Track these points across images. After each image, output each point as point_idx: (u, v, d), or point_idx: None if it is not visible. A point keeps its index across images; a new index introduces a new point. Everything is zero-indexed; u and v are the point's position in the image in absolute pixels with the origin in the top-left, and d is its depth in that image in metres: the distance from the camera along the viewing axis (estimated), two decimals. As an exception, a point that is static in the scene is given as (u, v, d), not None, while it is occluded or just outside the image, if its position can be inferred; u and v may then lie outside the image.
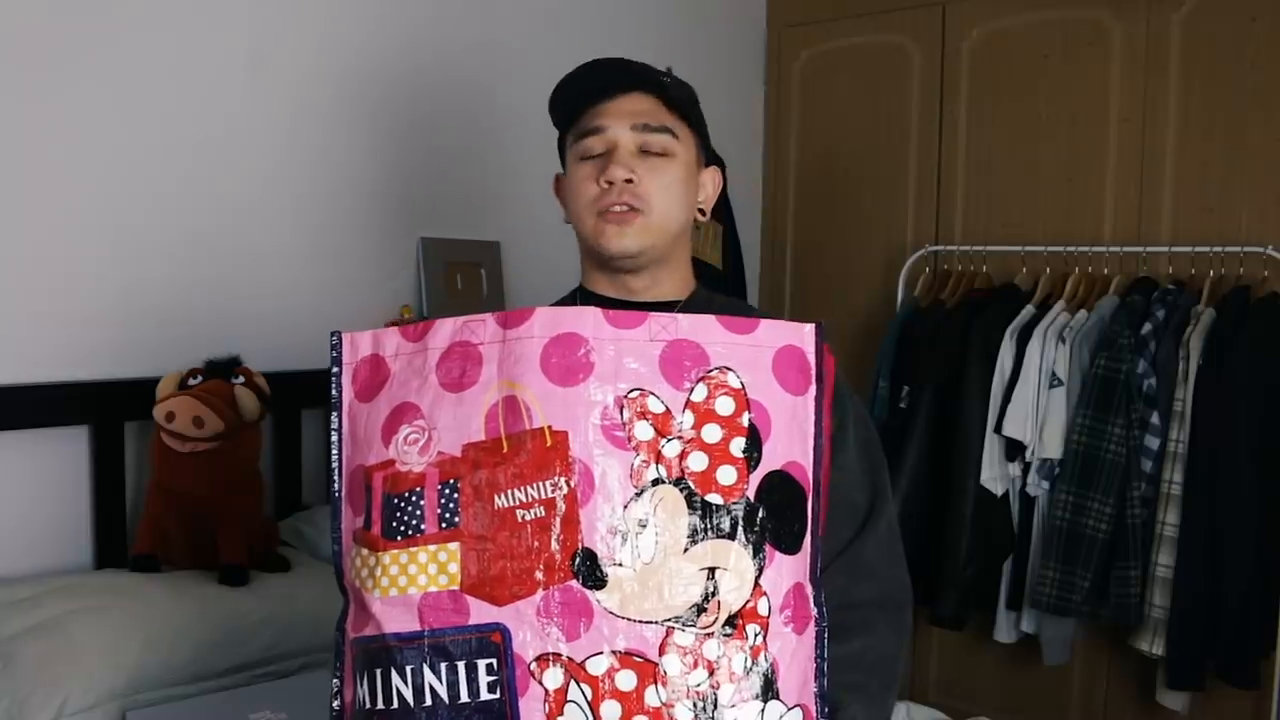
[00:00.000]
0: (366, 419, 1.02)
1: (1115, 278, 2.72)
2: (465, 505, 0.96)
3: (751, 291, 3.38)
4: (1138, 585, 2.49)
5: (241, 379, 2.13)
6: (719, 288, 3.12)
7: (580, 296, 1.33)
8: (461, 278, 2.69)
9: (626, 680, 0.94)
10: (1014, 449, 2.67)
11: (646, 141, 1.23)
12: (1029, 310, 2.71)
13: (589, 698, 0.94)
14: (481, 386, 0.99)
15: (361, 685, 1.00)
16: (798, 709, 1.01)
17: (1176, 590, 2.45)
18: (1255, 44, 2.58)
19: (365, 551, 1.00)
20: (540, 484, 0.96)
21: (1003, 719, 2.51)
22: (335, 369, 1.06)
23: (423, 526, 0.97)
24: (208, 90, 2.26)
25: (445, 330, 1.02)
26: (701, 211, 1.33)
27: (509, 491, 0.96)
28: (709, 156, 1.34)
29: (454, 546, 0.96)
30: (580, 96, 1.26)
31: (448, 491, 0.97)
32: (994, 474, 2.68)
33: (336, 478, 1.05)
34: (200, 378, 2.09)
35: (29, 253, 2.05)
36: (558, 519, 0.95)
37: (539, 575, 0.94)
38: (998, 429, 2.66)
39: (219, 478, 2.06)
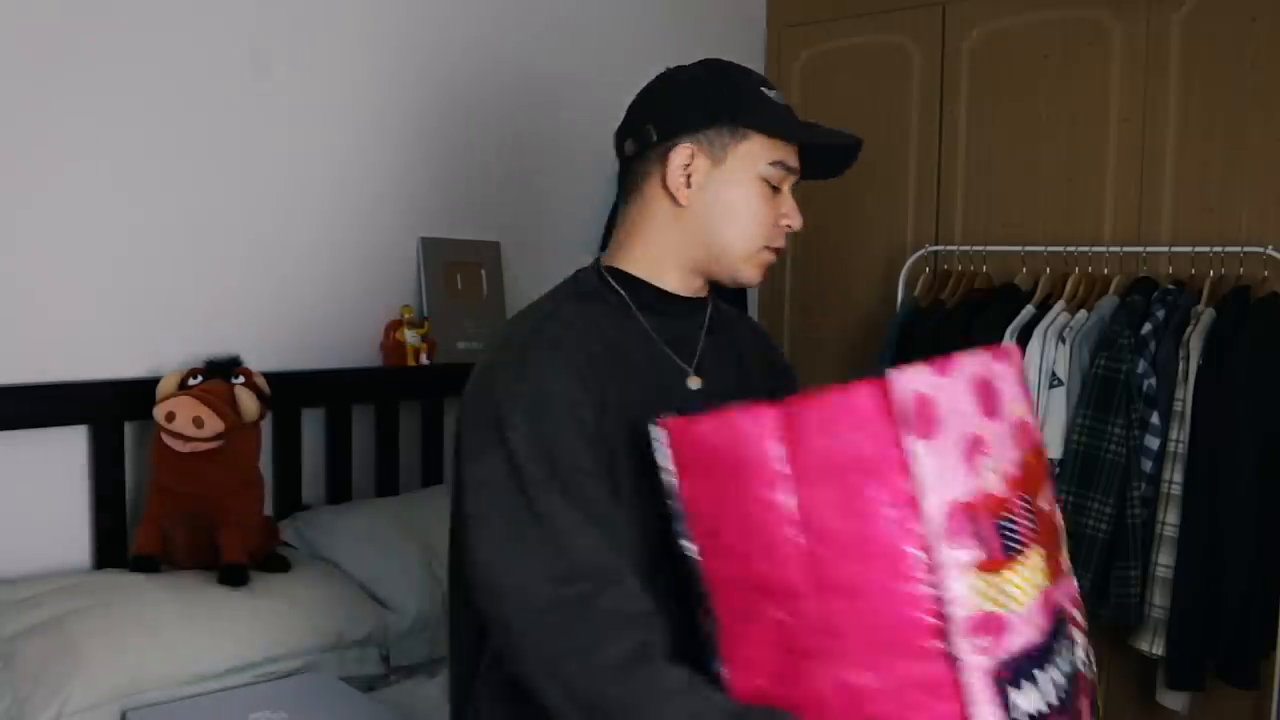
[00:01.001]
0: (941, 454, 1.04)
1: (1115, 278, 2.72)
2: (1037, 516, 1.13)
3: (751, 292, 3.38)
4: (1138, 585, 2.48)
5: (241, 379, 2.13)
6: (719, 289, 3.12)
7: (617, 279, 1.29)
8: (461, 278, 2.69)
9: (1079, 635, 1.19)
10: (1014, 449, 2.67)
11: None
12: (1029, 310, 2.71)
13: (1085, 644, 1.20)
14: (1009, 414, 1.13)
15: (1025, 694, 1.06)
16: None
17: (1176, 590, 2.45)
18: (1255, 44, 2.58)
19: (989, 577, 1.04)
20: (1045, 491, 1.19)
21: (1003, 719, 2.51)
22: (895, 415, 1.03)
23: (1023, 541, 1.08)
24: (209, 91, 2.26)
25: (970, 366, 1.11)
26: None
27: (1040, 498, 1.16)
28: None
29: (1039, 551, 1.10)
30: (825, 134, 1.30)
31: (1024, 507, 1.11)
32: (994, 474, 2.68)
33: (925, 514, 1.02)
34: (200, 378, 2.10)
35: (28, 253, 2.05)
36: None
37: (1065, 563, 1.21)
38: (998, 429, 2.65)
39: (219, 478, 2.06)
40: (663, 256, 1.29)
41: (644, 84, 1.35)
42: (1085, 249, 2.75)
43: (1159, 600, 2.48)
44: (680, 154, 1.25)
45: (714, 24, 3.27)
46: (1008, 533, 1.06)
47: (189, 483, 2.04)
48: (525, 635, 1.11)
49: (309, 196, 2.43)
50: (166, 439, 2.02)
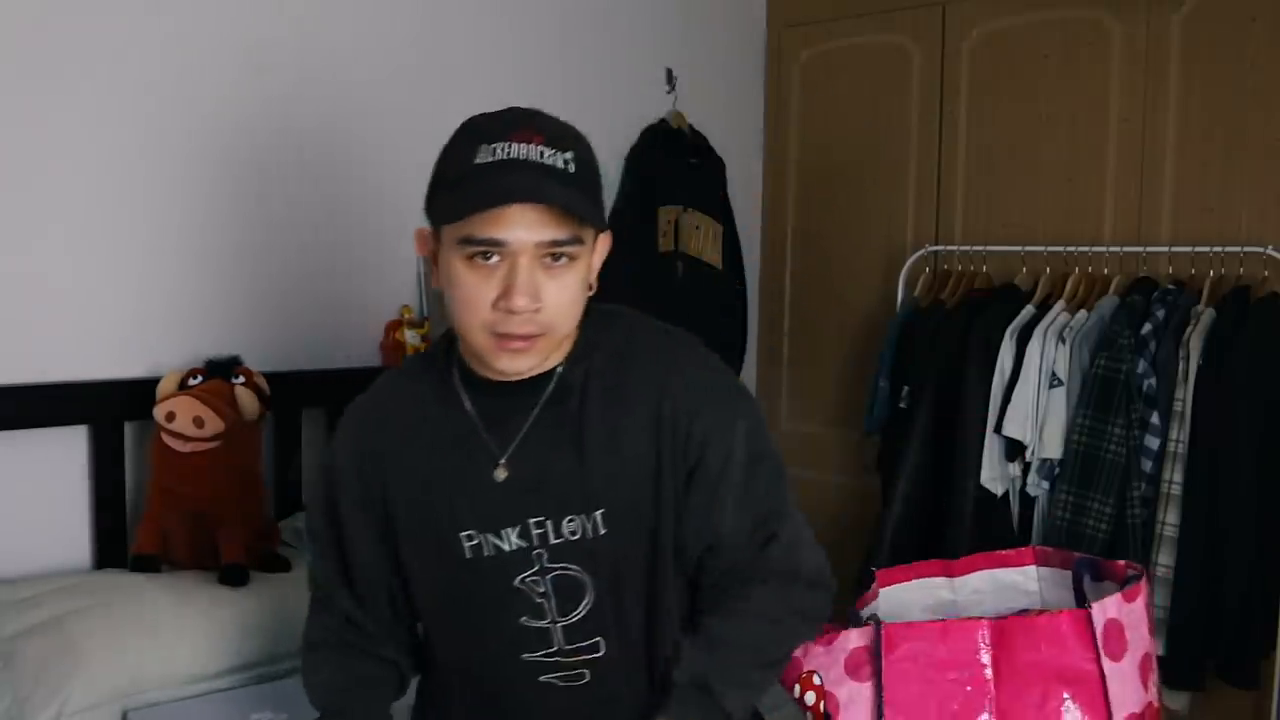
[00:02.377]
0: (1124, 675, 1.21)
1: (1115, 278, 2.72)
2: None
3: (751, 292, 3.38)
4: (1138, 585, 2.49)
5: (241, 379, 2.13)
6: (720, 288, 3.13)
7: (460, 376, 1.24)
8: (461, 278, 2.69)
9: None
10: (1014, 449, 2.67)
11: (552, 254, 1.11)
12: (1029, 310, 2.71)
13: None
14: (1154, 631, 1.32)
15: None
16: None
17: (1176, 590, 2.45)
18: (1255, 44, 2.58)
19: None
20: None
21: (1003, 719, 2.51)
22: (1095, 639, 1.21)
23: None
24: (207, 90, 2.26)
25: (1144, 590, 1.28)
26: (590, 285, 1.19)
27: None
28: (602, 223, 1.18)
29: None
30: (477, 202, 1.09)
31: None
32: (994, 474, 2.68)
33: None
34: (200, 378, 2.10)
35: (28, 253, 2.05)
36: None
37: None
38: (998, 429, 2.65)
39: (219, 478, 2.06)
40: (460, 343, 1.23)
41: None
42: (1085, 249, 2.75)
43: (1159, 600, 2.48)
44: (419, 238, 1.23)
45: (714, 24, 3.27)
46: None
47: (189, 483, 2.04)
48: None
49: (309, 195, 2.43)
50: (166, 439, 2.02)
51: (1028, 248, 2.84)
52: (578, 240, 1.13)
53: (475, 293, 1.11)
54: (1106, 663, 1.19)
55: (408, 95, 2.58)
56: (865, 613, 1.44)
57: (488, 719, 1.31)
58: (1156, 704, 1.26)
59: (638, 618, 1.22)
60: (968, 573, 1.47)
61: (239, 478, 2.11)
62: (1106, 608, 1.21)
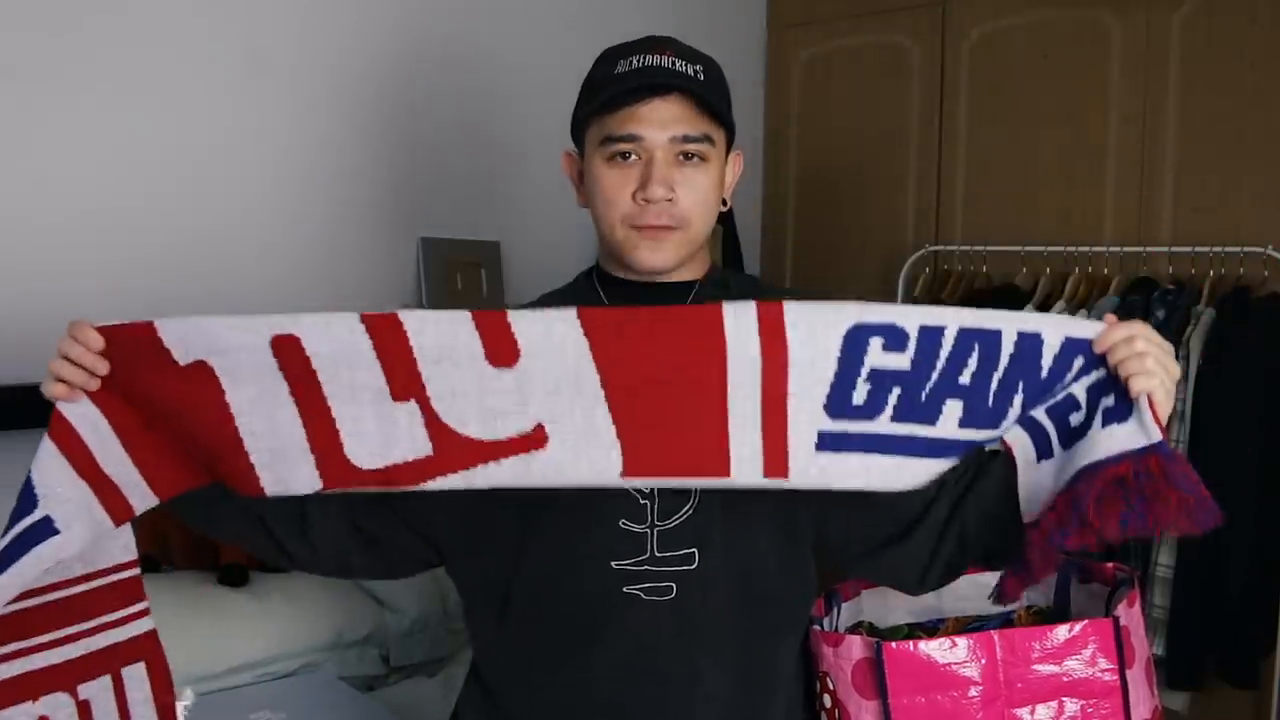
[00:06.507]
0: (1137, 681, 1.21)
1: (1115, 278, 2.72)
2: None
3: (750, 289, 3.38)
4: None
5: (241, 379, 2.13)
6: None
7: (598, 279, 1.30)
8: (461, 278, 2.69)
9: None
10: (1014, 449, 2.67)
11: (683, 150, 1.22)
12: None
13: None
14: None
15: None
16: None
17: (1176, 590, 2.45)
18: (1255, 44, 2.58)
19: None
20: None
21: (1003, 719, 2.51)
22: (1113, 649, 1.22)
23: None
24: (208, 91, 2.26)
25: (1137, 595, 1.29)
26: (724, 200, 1.30)
27: None
28: (733, 142, 1.30)
29: None
30: (616, 98, 1.22)
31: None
32: (994, 474, 2.68)
33: None
34: (200, 378, 2.09)
35: (29, 253, 2.05)
36: None
37: None
38: (998, 429, 2.65)
39: (219, 478, 2.06)
40: (601, 249, 1.30)
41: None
42: (1085, 249, 2.75)
43: (1159, 600, 2.48)
44: (567, 158, 1.31)
45: (714, 24, 3.27)
46: None
47: (189, 483, 2.04)
48: None
49: (309, 196, 2.44)
50: (166, 439, 2.02)
51: (1028, 248, 2.84)
52: (708, 139, 1.24)
53: (615, 188, 1.21)
54: (1126, 671, 1.18)
55: (405, 100, 2.59)
56: (850, 615, 1.42)
57: (563, 641, 1.23)
58: (1159, 707, 1.26)
59: (739, 534, 1.22)
60: None
61: (239, 478, 2.11)
62: (1120, 616, 1.20)
